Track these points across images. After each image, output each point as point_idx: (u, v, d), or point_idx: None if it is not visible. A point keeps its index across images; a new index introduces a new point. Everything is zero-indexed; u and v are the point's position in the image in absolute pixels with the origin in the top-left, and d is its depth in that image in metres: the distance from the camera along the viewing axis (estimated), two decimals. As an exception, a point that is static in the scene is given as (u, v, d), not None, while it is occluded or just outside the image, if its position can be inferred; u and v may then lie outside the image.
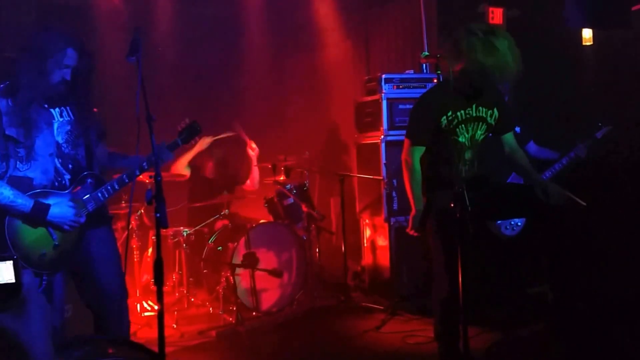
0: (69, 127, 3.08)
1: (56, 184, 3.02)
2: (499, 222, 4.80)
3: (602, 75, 6.12)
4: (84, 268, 3.08)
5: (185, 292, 5.32)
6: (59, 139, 3.04)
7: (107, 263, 3.11)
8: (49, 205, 2.90)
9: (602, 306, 4.09)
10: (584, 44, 6.11)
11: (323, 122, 7.40)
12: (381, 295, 5.36)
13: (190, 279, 5.43)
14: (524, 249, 4.62)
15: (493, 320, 4.34)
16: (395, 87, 5.46)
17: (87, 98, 3.17)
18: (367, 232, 5.72)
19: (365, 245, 5.74)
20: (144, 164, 3.14)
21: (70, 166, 3.06)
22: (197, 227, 5.48)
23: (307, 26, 7.30)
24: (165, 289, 5.34)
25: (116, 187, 3.10)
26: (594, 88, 5.88)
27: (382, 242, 5.46)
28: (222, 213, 5.44)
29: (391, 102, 5.43)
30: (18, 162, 2.94)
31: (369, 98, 5.60)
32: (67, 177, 3.05)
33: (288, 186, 5.52)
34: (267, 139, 7.08)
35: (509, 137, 3.69)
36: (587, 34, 6.09)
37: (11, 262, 1.19)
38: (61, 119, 3.06)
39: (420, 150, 3.53)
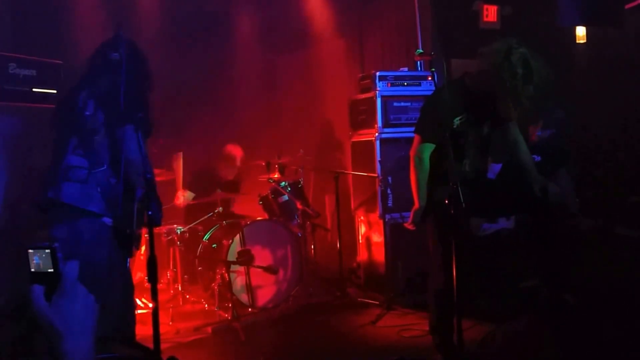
0: None
1: None
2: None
3: (595, 73, 6.16)
4: None
5: (180, 289, 5.32)
6: None
7: None
8: None
9: (591, 300, 4.13)
10: (577, 41, 6.15)
11: (317, 120, 7.42)
12: (376, 290, 5.38)
13: (185, 276, 5.43)
14: (517, 243, 4.65)
15: (486, 312, 4.36)
16: (389, 84, 5.47)
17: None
18: (362, 229, 5.73)
19: (361, 241, 5.75)
20: None
21: None
22: (191, 225, 5.50)
23: (301, 24, 7.31)
24: (160, 286, 5.34)
25: None
26: (587, 85, 5.92)
27: (377, 238, 5.48)
28: (216, 211, 5.45)
29: (385, 100, 5.44)
30: None
31: (363, 95, 5.61)
32: None
33: (283, 184, 5.52)
34: (261, 136, 7.10)
35: (512, 126, 3.71)
36: (580, 31, 6.13)
37: (49, 251, 1.19)
38: None
39: (430, 147, 3.51)
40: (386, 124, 5.42)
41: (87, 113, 3.07)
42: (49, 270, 1.18)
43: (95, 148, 3.04)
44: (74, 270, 1.19)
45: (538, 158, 4.68)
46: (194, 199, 5.69)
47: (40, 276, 1.18)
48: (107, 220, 3.04)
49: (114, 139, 3.02)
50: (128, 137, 2.94)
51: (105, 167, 3.04)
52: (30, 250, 1.19)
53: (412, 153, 3.59)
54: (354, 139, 5.76)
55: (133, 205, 3.02)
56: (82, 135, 3.07)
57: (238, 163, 6.01)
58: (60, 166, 3.05)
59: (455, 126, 3.43)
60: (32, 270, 1.18)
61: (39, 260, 1.18)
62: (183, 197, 5.65)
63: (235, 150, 6.00)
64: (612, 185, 5.58)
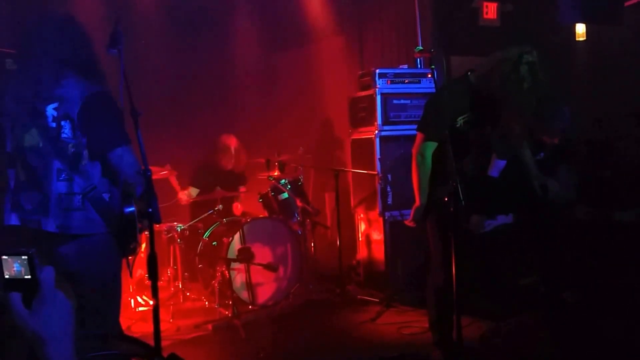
0: None
1: None
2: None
3: (594, 71, 6.16)
4: None
5: (180, 286, 5.34)
6: None
7: None
8: None
9: (589, 298, 4.15)
10: (577, 39, 6.13)
11: (317, 118, 7.41)
12: (376, 288, 5.39)
13: (185, 273, 5.44)
14: (516, 241, 4.66)
15: (485, 310, 4.38)
16: (389, 82, 5.47)
17: None
18: (362, 227, 5.74)
19: (360, 239, 5.76)
20: None
21: None
22: (191, 223, 5.50)
23: (300, 21, 7.29)
24: (160, 283, 5.35)
25: None
26: (586, 83, 5.92)
27: (377, 236, 5.49)
28: (216, 208, 5.46)
29: (385, 97, 5.44)
30: None
31: (363, 93, 5.61)
32: None
33: (282, 181, 5.53)
34: (261, 134, 7.09)
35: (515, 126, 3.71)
36: (580, 29, 6.11)
37: (26, 257, 1.17)
38: None
39: (433, 146, 3.49)
40: (386, 121, 5.43)
41: (64, 136, 2.79)
42: (26, 277, 1.14)
43: (80, 170, 2.80)
44: (51, 275, 1.17)
45: (542, 154, 4.68)
46: (197, 195, 5.71)
47: (16, 283, 1.14)
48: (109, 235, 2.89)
49: (102, 162, 2.82)
50: (125, 162, 2.81)
51: (96, 186, 2.83)
52: (4, 257, 1.15)
53: (414, 151, 3.58)
54: (354, 137, 5.76)
55: (133, 216, 2.87)
56: (64, 160, 2.79)
57: (233, 151, 6.02)
58: (48, 195, 2.79)
59: (458, 125, 3.43)
60: (7, 277, 1.15)
61: (20, 267, 1.15)
62: (186, 195, 5.69)
63: (229, 140, 6.03)
64: (611, 182, 5.58)
